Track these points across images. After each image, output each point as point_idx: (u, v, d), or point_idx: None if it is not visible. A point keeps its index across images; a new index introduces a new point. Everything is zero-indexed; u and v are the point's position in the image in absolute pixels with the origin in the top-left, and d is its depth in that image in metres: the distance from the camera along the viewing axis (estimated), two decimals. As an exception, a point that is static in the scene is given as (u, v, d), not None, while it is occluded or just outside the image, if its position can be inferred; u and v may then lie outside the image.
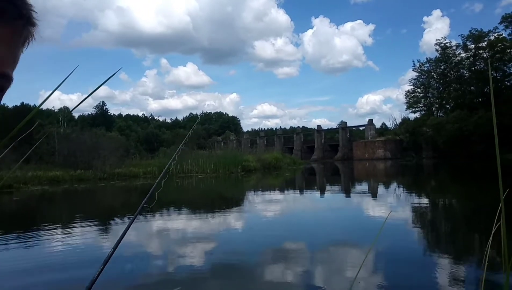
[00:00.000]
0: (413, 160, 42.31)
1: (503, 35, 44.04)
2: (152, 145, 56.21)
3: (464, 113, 41.58)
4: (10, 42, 0.43)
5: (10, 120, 27.47)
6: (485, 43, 44.79)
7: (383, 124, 72.75)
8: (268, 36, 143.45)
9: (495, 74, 43.77)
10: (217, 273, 4.05)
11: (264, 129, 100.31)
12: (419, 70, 54.75)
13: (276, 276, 3.94)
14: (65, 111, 43.21)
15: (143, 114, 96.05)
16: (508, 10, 67.91)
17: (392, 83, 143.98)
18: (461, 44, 48.47)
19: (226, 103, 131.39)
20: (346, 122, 61.92)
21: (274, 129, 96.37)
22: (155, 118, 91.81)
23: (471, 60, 47.60)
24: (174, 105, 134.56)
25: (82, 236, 6.36)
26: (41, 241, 6.08)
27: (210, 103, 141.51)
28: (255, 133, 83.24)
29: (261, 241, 5.59)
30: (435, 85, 53.71)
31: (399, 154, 49.69)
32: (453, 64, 50.32)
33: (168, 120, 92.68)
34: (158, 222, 7.44)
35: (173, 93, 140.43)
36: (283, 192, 14.28)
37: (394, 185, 16.18)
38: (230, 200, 11.97)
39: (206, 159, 25.75)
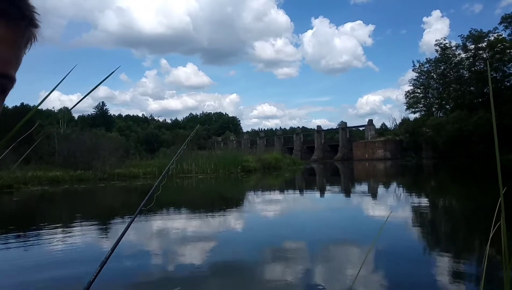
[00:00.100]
0: (413, 161, 42.33)
1: (503, 36, 44.13)
2: (152, 145, 56.24)
3: (464, 114, 41.59)
4: (13, 43, 0.43)
5: (10, 120, 27.41)
6: (485, 43, 44.81)
7: (383, 124, 73.01)
8: (268, 37, 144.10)
9: (494, 75, 43.76)
10: (217, 273, 4.05)
11: (264, 129, 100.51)
12: (419, 70, 54.84)
13: (276, 276, 3.93)
14: (65, 111, 43.22)
15: (143, 114, 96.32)
16: (508, 11, 68.29)
17: (392, 83, 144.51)
18: (461, 44, 48.60)
19: (226, 103, 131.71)
20: (346, 123, 62.15)
21: (274, 129, 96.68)
22: (155, 118, 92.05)
23: (470, 60, 47.61)
24: (174, 105, 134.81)
25: (82, 236, 6.35)
26: (41, 241, 6.07)
27: (210, 103, 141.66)
28: (255, 134, 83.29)
29: (261, 241, 5.58)
30: (435, 85, 53.73)
31: (399, 154, 49.74)
32: (453, 64, 50.33)
33: (168, 121, 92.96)
34: (158, 222, 7.44)
35: (173, 94, 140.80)
36: (283, 192, 14.27)
37: (394, 186, 16.19)
38: (230, 200, 11.96)
39: (206, 160, 25.74)
